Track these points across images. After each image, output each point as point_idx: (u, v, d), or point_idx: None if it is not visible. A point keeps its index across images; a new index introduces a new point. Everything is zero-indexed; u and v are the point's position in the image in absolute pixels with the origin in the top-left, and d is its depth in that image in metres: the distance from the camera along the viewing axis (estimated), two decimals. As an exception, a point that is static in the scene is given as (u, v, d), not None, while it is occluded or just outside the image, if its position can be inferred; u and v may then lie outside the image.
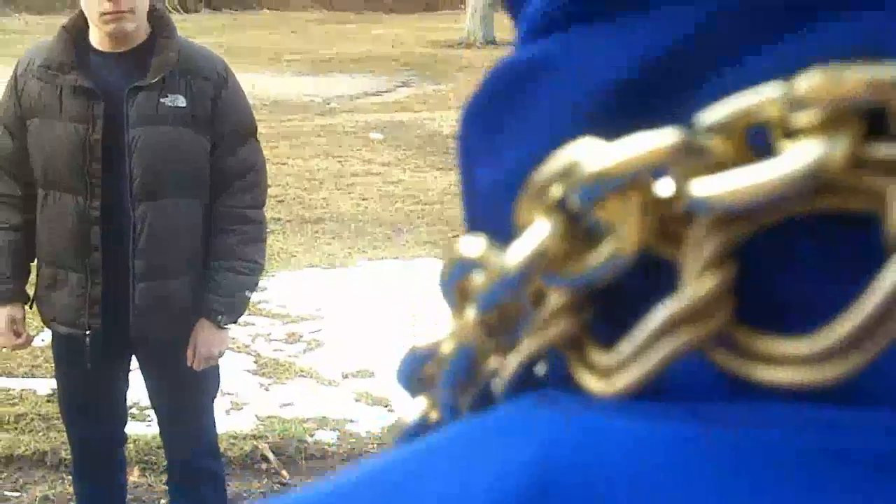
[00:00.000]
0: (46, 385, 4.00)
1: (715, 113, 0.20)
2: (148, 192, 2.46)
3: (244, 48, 16.87)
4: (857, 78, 0.18)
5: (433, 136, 9.71)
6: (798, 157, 0.19)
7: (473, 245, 0.24)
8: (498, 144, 0.25)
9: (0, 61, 14.69)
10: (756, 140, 0.20)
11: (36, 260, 2.64)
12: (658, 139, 0.20)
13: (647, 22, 0.22)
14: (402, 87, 13.69)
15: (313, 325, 4.96)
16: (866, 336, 0.18)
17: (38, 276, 2.64)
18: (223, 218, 2.57)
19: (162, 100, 2.45)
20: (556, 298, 0.23)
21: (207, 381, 2.73)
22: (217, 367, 2.73)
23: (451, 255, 0.24)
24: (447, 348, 0.26)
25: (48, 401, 3.93)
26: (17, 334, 2.65)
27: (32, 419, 3.86)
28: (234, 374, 4.23)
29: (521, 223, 0.23)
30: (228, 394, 4.09)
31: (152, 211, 2.47)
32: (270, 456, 3.68)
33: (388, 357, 4.48)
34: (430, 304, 5.05)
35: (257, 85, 13.16)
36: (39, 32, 20.19)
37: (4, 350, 4.33)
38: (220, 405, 4.07)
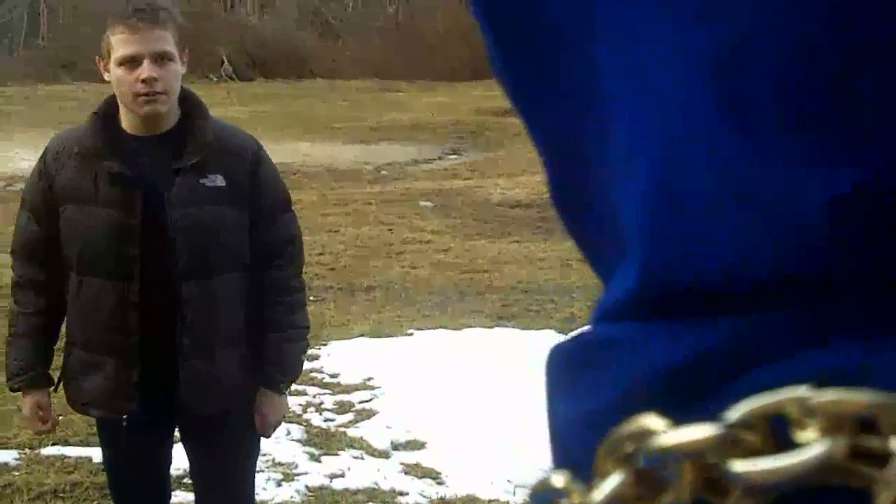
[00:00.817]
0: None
1: (747, 406, 0.27)
2: (194, 270, 2.49)
3: (297, 116, 17.14)
4: (856, 400, 0.25)
5: (483, 204, 9.77)
6: (811, 451, 0.26)
7: (559, 479, 0.31)
8: (576, 393, 0.33)
9: (66, 128, 15.10)
10: (777, 426, 0.27)
11: (65, 345, 2.63)
12: (704, 431, 0.27)
13: (696, 325, 0.29)
14: (451, 154, 13.81)
15: (364, 394, 4.98)
16: None
17: (66, 361, 2.63)
18: (270, 291, 2.61)
19: (201, 180, 2.48)
20: None
21: (251, 449, 2.76)
22: (258, 434, 2.75)
23: (541, 482, 0.32)
24: None
25: (103, 469, 3.97)
26: (44, 420, 2.68)
27: (87, 488, 3.91)
28: (285, 443, 4.26)
29: (600, 469, 0.29)
30: (279, 464, 4.12)
31: (199, 288, 2.50)
32: (320, 527, 3.68)
33: (438, 428, 4.48)
34: (480, 374, 5.05)
35: (309, 153, 13.35)
36: (99, 100, 20.56)
37: (61, 417, 4.40)
38: (270, 476, 4.10)
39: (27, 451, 4.26)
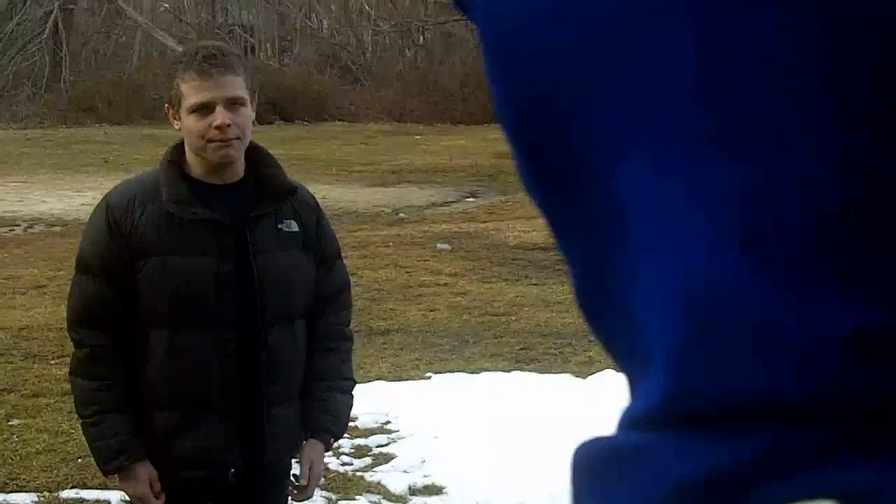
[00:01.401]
0: (120, 497, 4.05)
1: None
2: (279, 317, 2.47)
3: (316, 159, 17.24)
4: None
5: (500, 247, 9.78)
6: None
7: None
8: (600, 494, 0.34)
9: (87, 170, 15.19)
10: None
11: (146, 407, 2.48)
12: None
13: (719, 442, 0.31)
14: (469, 197, 13.85)
15: (381, 438, 4.97)
16: None
17: (151, 423, 2.48)
18: (328, 336, 2.59)
19: (279, 226, 2.49)
20: None
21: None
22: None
23: None
24: None
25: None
26: (157, 494, 2.50)
27: (104, 531, 3.90)
28: (302, 487, 4.24)
29: None
30: (297, 508, 4.10)
31: (282, 335, 2.48)
32: (338, 573, 3.65)
33: (456, 473, 4.46)
34: (498, 419, 5.03)
35: (328, 196, 13.41)
36: (119, 142, 20.86)
37: (80, 460, 4.40)
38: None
39: (46, 493, 4.26)
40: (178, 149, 2.52)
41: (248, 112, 2.46)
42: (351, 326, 2.71)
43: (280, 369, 2.49)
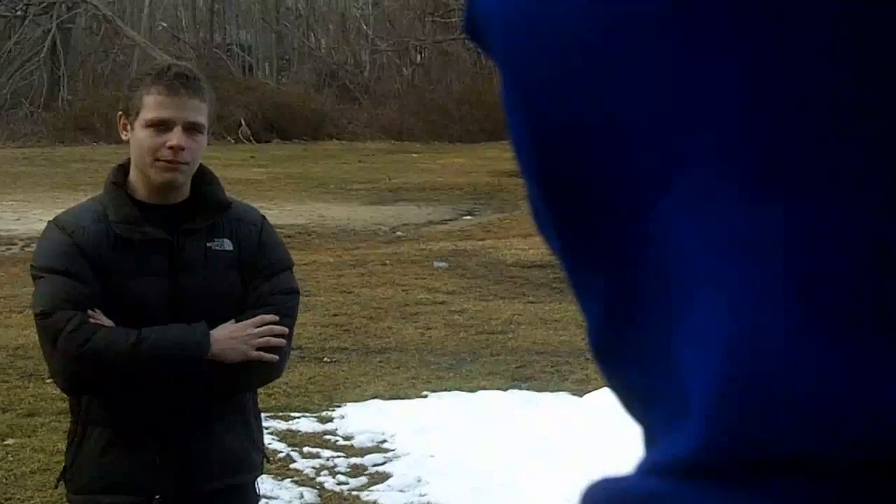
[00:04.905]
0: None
1: None
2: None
3: (314, 178, 17.26)
4: None
5: (497, 265, 9.78)
6: None
7: None
8: None
9: (84, 189, 15.19)
10: None
11: (77, 427, 2.45)
12: None
13: (754, 494, 0.29)
14: (466, 215, 13.86)
15: (377, 457, 4.95)
16: None
17: (81, 443, 2.45)
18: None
19: (209, 244, 2.42)
20: None
21: None
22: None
23: None
24: None
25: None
26: None
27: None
28: (298, 507, 4.22)
29: None
30: (292, 527, 4.08)
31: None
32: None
33: (452, 492, 4.45)
34: (495, 437, 5.02)
35: (326, 214, 13.42)
36: (116, 161, 20.76)
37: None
38: (283, 539, 4.06)
39: (40, 513, 4.24)
40: (123, 169, 2.46)
41: (203, 141, 2.41)
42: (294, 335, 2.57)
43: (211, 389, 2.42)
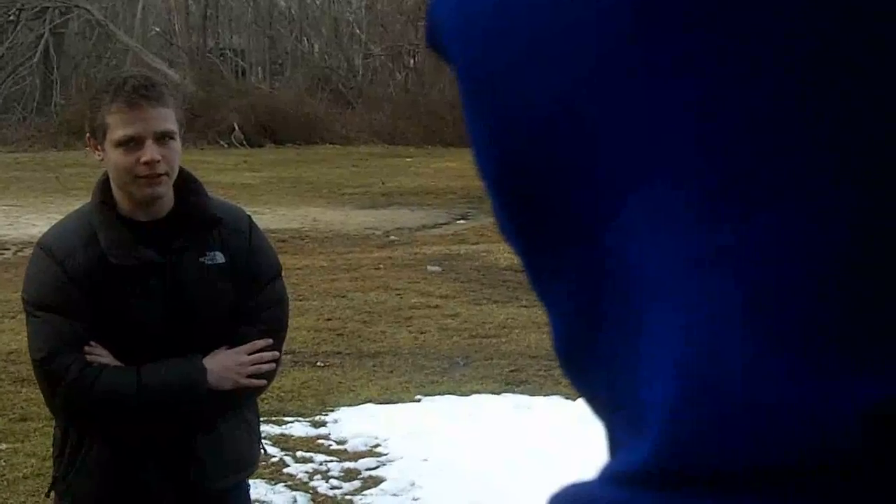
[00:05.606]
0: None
1: None
2: (206, 351, 2.41)
3: (307, 182, 17.25)
4: None
5: (491, 269, 9.78)
6: None
7: None
8: None
9: (77, 194, 15.16)
10: None
11: (74, 443, 2.43)
12: None
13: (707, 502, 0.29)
14: (460, 219, 13.86)
15: (370, 461, 4.95)
16: None
17: (77, 459, 2.42)
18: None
19: (201, 259, 2.40)
20: None
21: None
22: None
23: None
24: None
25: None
26: None
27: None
28: (291, 511, 4.22)
29: None
30: (286, 532, 4.08)
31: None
32: None
33: (446, 496, 4.44)
34: (488, 441, 5.02)
35: (319, 218, 13.41)
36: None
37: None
38: (277, 543, 4.05)
39: (32, 518, 4.23)
40: (105, 185, 2.41)
41: (178, 146, 2.37)
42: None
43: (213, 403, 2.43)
